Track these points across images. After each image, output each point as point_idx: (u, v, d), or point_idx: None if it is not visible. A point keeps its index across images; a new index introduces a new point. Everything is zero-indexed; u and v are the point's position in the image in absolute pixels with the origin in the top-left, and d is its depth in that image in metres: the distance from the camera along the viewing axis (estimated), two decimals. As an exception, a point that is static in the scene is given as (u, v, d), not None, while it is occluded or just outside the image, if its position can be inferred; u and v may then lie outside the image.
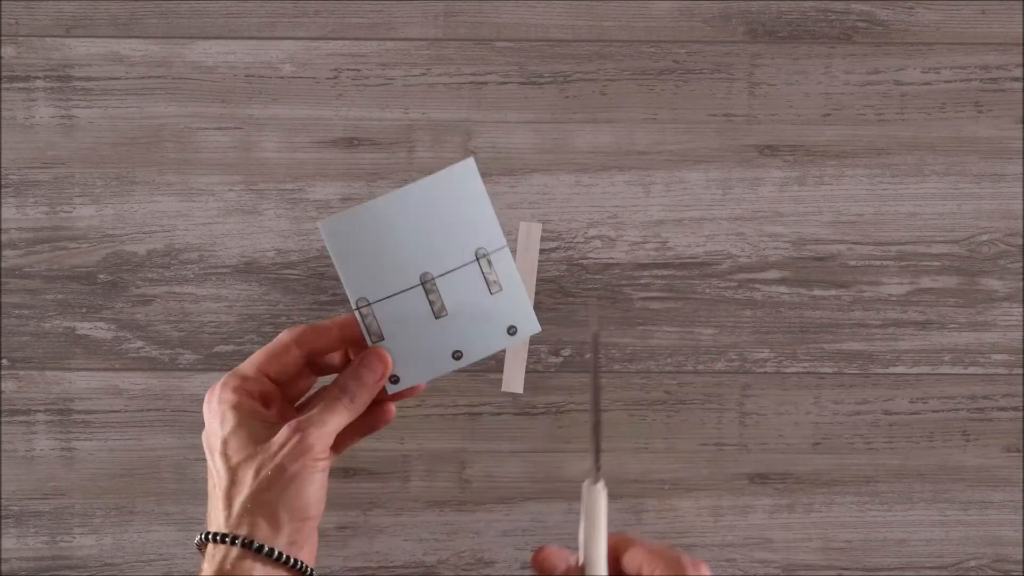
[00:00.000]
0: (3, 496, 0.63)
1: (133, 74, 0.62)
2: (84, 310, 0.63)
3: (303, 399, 0.55)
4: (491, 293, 0.54)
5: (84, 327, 0.63)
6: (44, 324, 0.63)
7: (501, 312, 0.54)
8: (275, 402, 0.54)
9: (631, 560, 0.53)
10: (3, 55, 0.62)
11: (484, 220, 0.53)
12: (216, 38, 0.62)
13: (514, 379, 0.63)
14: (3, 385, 0.63)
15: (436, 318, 0.54)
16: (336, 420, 0.52)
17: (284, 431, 0.51)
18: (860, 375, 0.63)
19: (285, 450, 0.50)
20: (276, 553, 0.49)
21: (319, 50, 0.62)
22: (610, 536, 0.53)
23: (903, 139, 0.63)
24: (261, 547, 0.49)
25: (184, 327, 0.63)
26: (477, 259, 0.54)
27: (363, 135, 0.63)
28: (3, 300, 0.63)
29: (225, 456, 0.51)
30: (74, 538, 0.63)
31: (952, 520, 0.64)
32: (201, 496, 0.63)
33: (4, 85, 0.62)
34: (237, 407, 0.52)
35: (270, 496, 0.50)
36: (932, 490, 0.64)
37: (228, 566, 0.49)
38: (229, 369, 0.54)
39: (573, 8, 0.62)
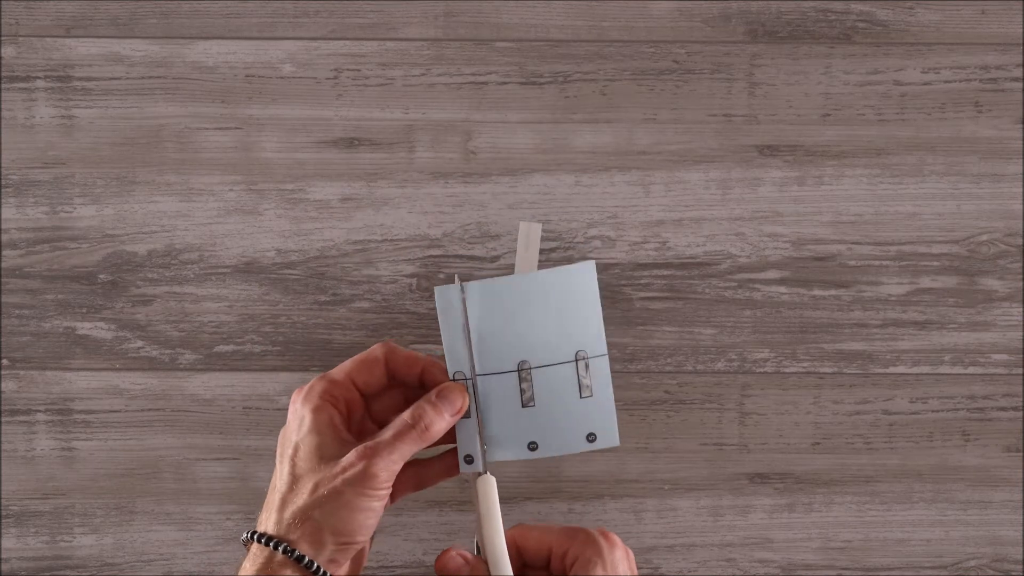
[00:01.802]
0: (3, 496, 0.63)
1: (133, 74, 0.62)
2: (84, 310, 0.63)
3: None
4: (581, 396, 0.54)
5: (84, 327, 0.63)
6: (44, 324, 0.63)
7: (586, 417, 0.54)
8: (357, 414, 0.54)
9: (536, 546, 0.54)
10: (3, 55, 0.62)
11: (591, 323, 0.54)
12: (216, 38, 0.62)
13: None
14: (3, 385, 0.63)
15: (523, 407, 0.54)
16: (404, 448, 0.52)
17: (352, 454, 0.51)
18: (860, 375, 0.63)
19: (347, 475, 0.51)
20: (315, 566, 0.50)
21: (319, 50, 0.62)
22: (506, 531, 0.54)
23: (903, 139, 0.63)
24: (302, 557, 0.50)
25: (184, 327, 0.63)
26: (576, 360, 0.54)
27: (363, 135, 0.63)
28: (3, 300, 0.63)
29: (293, 463, 0.52)
30: (74, 538, 0.63)
31: (952, 520, 0.64)
32: (201, 496, 0.63)
33: (4, 85, 0.62)
34: (317, 411, 0.52)
35: (319, 515, 0.50)
36: (932, 490, 0.64)
37: (269, 569, 0.50)
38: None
39: (573, 8, 0.62)
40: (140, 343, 0.63)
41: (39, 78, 0.62)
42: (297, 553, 0.50)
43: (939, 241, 0.63)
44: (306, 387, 0.53)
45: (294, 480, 0.51)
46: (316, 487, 0.51)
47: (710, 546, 0.64)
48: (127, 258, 0.63)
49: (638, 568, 0.63)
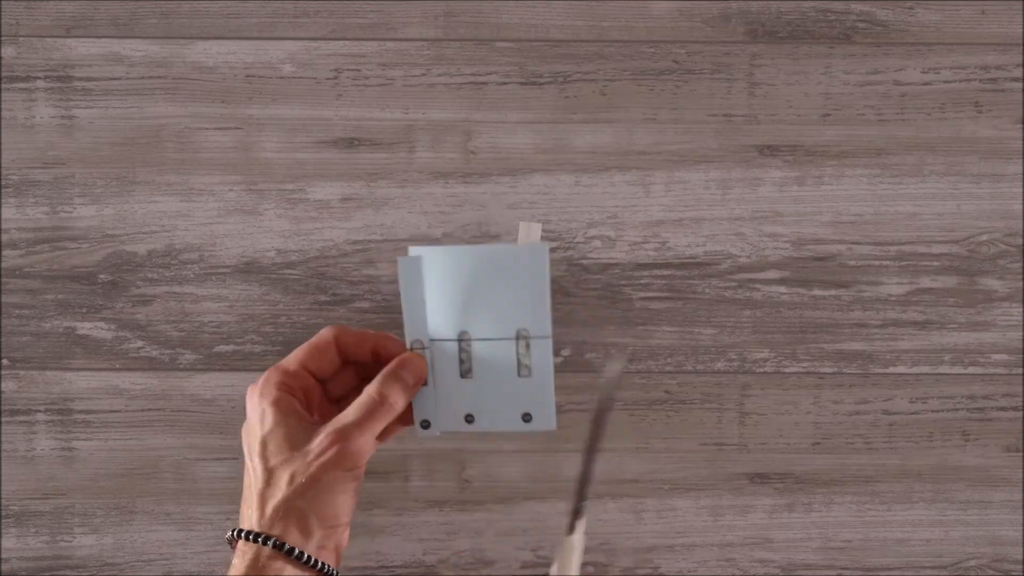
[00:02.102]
0: (3, 496, 0.63)
1: (133, 74, 0.62)
2: (84, 310, 0.63)
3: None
4: (519, 375, 0.54)
5: (84, 327, 0.63)
6: (44, 324, 0.63)
7: (522, 396, 0.54)
8: (315, 398, 0.54)
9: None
10: (3, 55, 0.62)
11: (538, 305, 0.53)
12: (216, 38, 0.62)
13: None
14: (3, 385, 0.63)
15: (461, 377, 0.54)
16: (374, 426, 0.52)
17: (323, 438, 0.51)
18: (860, 375, 0.63)
19: (322, 459, 0.51)
20: (305, 556, 0.50)
21: (319, 50, 0.62)
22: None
23: (903, 139, 0.63)
24: (292, 550, 0.50)
25: (184, 327, 0.63)
26: (517, 338, 0.54)
27: (363, 135, 0.63)
28: (3, 300, 0.63)
29: (263, 457, 0.51)
30: (74, 538, 0.63)
31: (952, 520, 0.64)
32: (201, 496, 0.63)
33: (4, 85, 0.62)
34: (277, 404, 0.52)
35: (303, 503, 0.50)
36: (932, 490, 0.64)
37: (259, 565, 0.50)
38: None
39: (573, 8, 0.62)
40: (140, 343, 0.63)
41: (39, 78, 0.62)
42: (287, 546, 0.50)
43: (939, 241, 0.63)
44: (260, 381, 0.53)
45: (269, 474, 0.51)
46: (293, 477, 0.50)
47: (710, 546, 0.64)
48: (127, 258, 0.63)
49: (639, 568, 0.64)
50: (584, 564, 0.64)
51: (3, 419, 0.63)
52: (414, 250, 0.54)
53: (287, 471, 0.51)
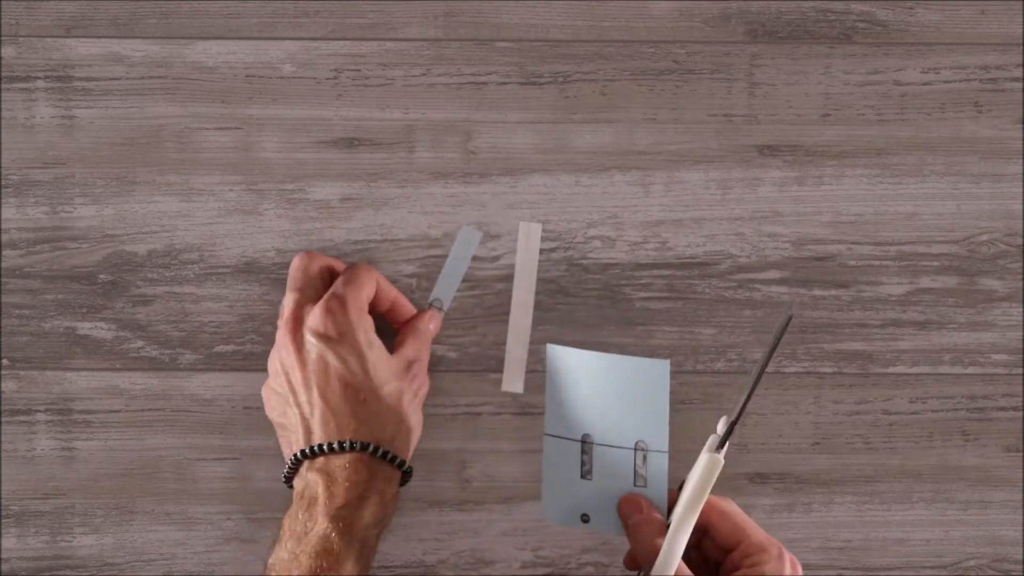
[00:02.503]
0: (3, 496, 0.63)
1: (133, 74, 0.62)
2: (84, 310, 0.63)
3: None
4: (635, 484, 0.56)
5: (84, 327, 0.63)
6: (44, 324, 0.63)
7: None
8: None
9: (727, 535, 0.55)
10: (3, 55, 0.62)
11: (657, 418, 0.55)
12: (216, 38, 0.62)
13: (514, 379, 0.63)
14: (3, 385, 0.63)
15: (581, 477, 0.57)
16: (427, 335, 0.61)
17: (417, 366, 0.59)
18: (860, 375, 0.63)
19: (421, 391, 0.60)
20: (390, 456, 0.55)
21: (319, 50, 0.62)
22: (711, 498, 0.55)
23: (903, 139, 0.63)
24: (377, 448, 0.55)
25: (184, 327, 0.63)
26: (635, 449, 0.56)
27: (363, 135, 0.63)
28: (3, 300, 0.63)
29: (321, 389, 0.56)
30: (74, 538, 0.63)
31: (952, 520, 0.64)
32: (201, 496, 0.63)
33: (4, 85, 0.62)
34: (366, 328, 0.58)
35: (387, 416, 0.56)
36: (932, 490, 0.64)
37: (343, 470, 0.54)
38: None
39: (573, 8, 0.62)
40: (140, 343, 0.63)
41: (39, 78, 0.62)
42: (372, 445, 0.54)
43: (939, 241, 0.63)
44: (351, 305, 0.57)
45: (356, 391, 0.55)
46: (398, 394, 0.57)
47: (710, 546, 0.64)
48: (127, 258, 0.63)
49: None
50: (584, 564, 0.64)
51: (3, 419, 0.63)
52: (552, 349, 0.56)
53: (384, 388, 0.57)
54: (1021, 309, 0.63)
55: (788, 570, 0.54)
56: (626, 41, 0.63)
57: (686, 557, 0.54)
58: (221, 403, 0.63)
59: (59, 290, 0.63)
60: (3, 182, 0.63)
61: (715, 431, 0.55)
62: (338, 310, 0.56)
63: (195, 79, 0.62)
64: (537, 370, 0.63)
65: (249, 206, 0.63)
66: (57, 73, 0.62)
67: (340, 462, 0.54)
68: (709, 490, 0.54)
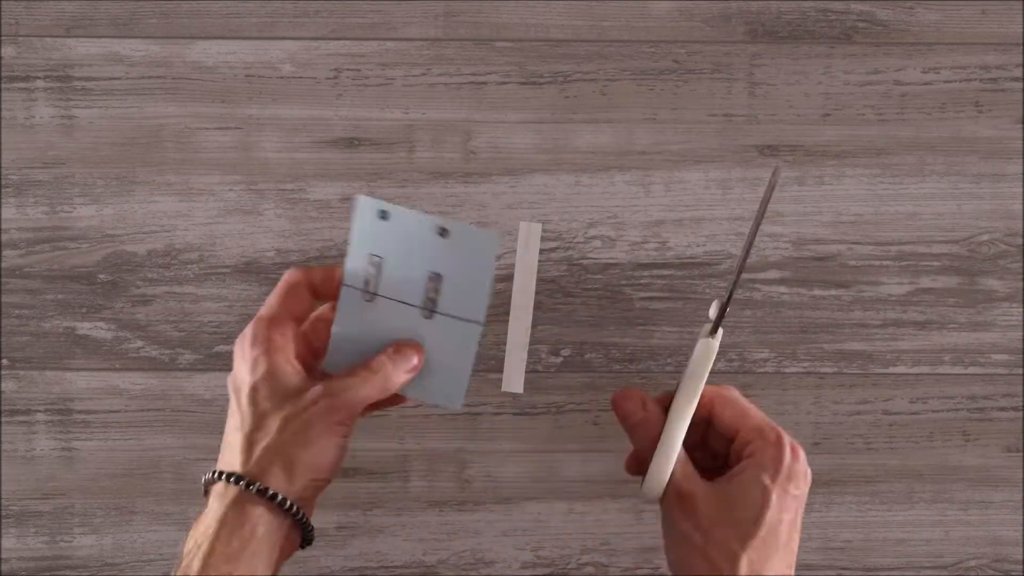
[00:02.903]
0: (3, 496, 0.63)
1: (133, 74, 0.62)
2: (84, 310, 0.63)
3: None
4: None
5: (84, 327, 0.63)
6: (44, 324, 0.63)
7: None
8: (301, 345, 0.54)
9: (728, 423, 0.53)
10: (3, 55, 0.62)
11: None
12: (216, 38, 0.62)
13: (514, 379, 0.63)
14: (3, 385, 0.63)
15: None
16: (367, 393, 0.53)
17: (318, 389, 0.51)
18: (860, 375, 0.63)
19: (316, 408, 0.51)
20: (288, 503, 0.50)
21: (319, 50, 0.62)
22: (708, 387, 0.53)
23: (903, 139, 0.63)
24: (275, 495, 0.50)
25: (184, 327, 0.63)
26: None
27: (363, 135, 0.63)
28: (3, 300, 0.63)
29: (254, 401, 0.51)
30: (74, 538, 0.63)
31: (952, 520, 0.64)
32: (201, 497, 0.63)
33: (4, 85, 0.62)
34: (268, 352, 0.52)
35: (292, 449, 0.50)
36: (932, 490, 0.64)
37: (239, 508, 0.50)
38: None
39: (573, 8, 0.62)
40: (140, 343, 0.63)
41: (39, 78, 0.62)
42: (270, 490, 0.50)
43: (939, 241, 0.63)
44: (248, 333, 0.53)
45: (259, 418, 0.51)
46: (285, 422, 0.50)
47: (710, 546, 0.64)
48: (127, 258, 0.63)
49: (639, 568, 0.64)
50: (584, 564, 0.64)
51: (3, 419, 0.63)
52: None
53: (278, 416, 0.51)
54: (1021, 309, 0.63)
55: (788, 457, 0.51)
56: (626, 41, 0.63)
57: (692, 458, 0.53)
58: (221, 403, 0.63)
59: (59, 290, 0.63)
60: (3, 182, 0.63)
61: (708, 319, 0.54)
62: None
63: (195, 79, 0.62)
64: (537, 370, 0.63)
65: (249, 206, 0.63)
66: (57, 73, 0.62)
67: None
68: (706, 376, 0.52)
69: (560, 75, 0.63)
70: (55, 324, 0.63)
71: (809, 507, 0.64)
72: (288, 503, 0.50)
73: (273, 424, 0.51)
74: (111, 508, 0.63)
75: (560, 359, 0.63)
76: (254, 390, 0.51)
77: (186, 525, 0.63)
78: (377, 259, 0.54)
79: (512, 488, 0.64)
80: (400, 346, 0.54)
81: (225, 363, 0.63)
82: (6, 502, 0.63)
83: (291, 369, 0.52)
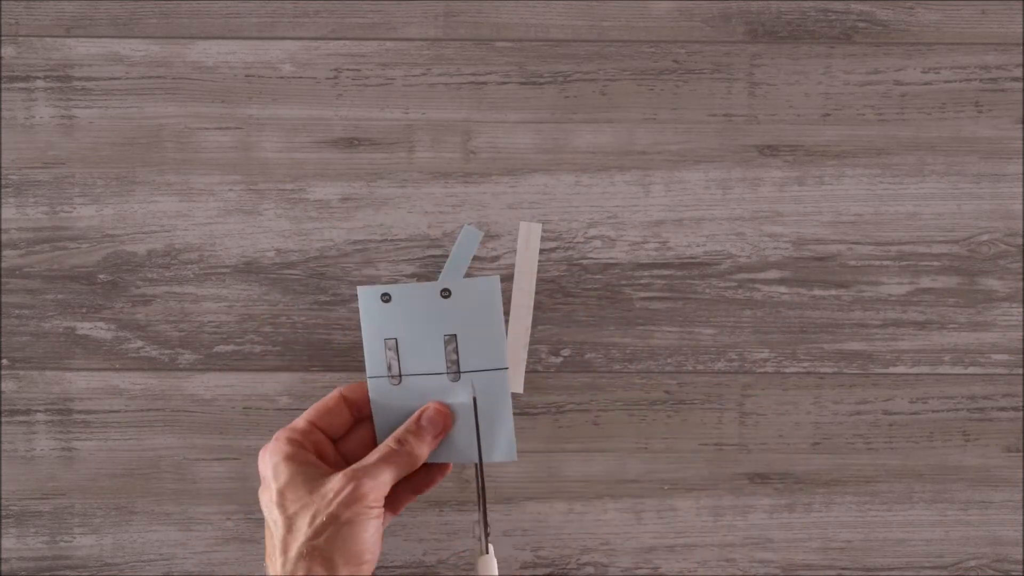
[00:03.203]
0: (3, 496, 0.63)
1: (133, 74, 0.62)
2: (84, 310, 0.63)
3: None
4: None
5: (84, 327, 0.63)
6: (44, 324, 0.63)
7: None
8: (329, 456, 0.55)
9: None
10: (3, 55, 0.62)
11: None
12: (216, 38, 0.62)
13: (514, 379, 0.63)
14: (3, 385, 0.63)
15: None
16: (391, 472, 0.53)
17: (339, 478, 0.52)
18: (860, 375, 0.63)
19: (340, 498, 0.51)
20: None
21: (319, 50, 0.62)
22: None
23: (903, 139, 0.63)
24: None
25: (184, 327, 0.63)
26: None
27: (363, 135, 0.63)
28: (3, 300, 0.63)
29: (282, 506, 0.52)
30: (74, 538, 0.63)
31: (952, 520, 0.64)
32: (202, 496, 0.63)
33: (4, 85, 0.62)
34: (290, 458, 0.53)
35: (324, 543, 0.51)
36: (932, 490, 0.64)
37: None
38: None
39: (573, 8, 0.62)
40: (140, 343, 0.63)
41: (39, 78, 0.62)
42: None
43: (939, 241, 0.63)
44: (270, 444, 0.54)
45: (289, 521, 0.52)
46: (313, 518, 0.51)
47: (710, 546, 0.64)
48: (127, 258, 0.63)
49: (639, 568, 0.64)
50: (583, 564, 0.64)
51: (3, 419, 0.63)
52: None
53: (307, 514, 0.51)
54: (1021, 309, 0.63)
55: None
56: (626, 41, 0.63)
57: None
58: (221, 403, 0.63)
59: (59, 290, 0.63)
60: (3, 182, 0.63)
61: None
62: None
63: (195, 79, 0.62)
64: (537, 370, 0.63)
65: (249, 206, 0.63)
66: (57, 73, 0.62)
67: None
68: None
69: (560, 75, 0.63)
70: (55, 324, 0.63)
71: (809, 507, 0.64)
72: None
73: (303, 523, 0.51)
74: (111, 508, 0.63)
75: (560, 359, 0.63)
76: (281, 495, 0.52)
77: (186, 525, 0.63)
78: (392, 341, 0.56)
79: (512, 488, 0.64)
80: (425, 413, 0.56)
81: (225, 363, 0.63)
82: (6, 502, 0.63)
83: (312, 468, 0.53)
